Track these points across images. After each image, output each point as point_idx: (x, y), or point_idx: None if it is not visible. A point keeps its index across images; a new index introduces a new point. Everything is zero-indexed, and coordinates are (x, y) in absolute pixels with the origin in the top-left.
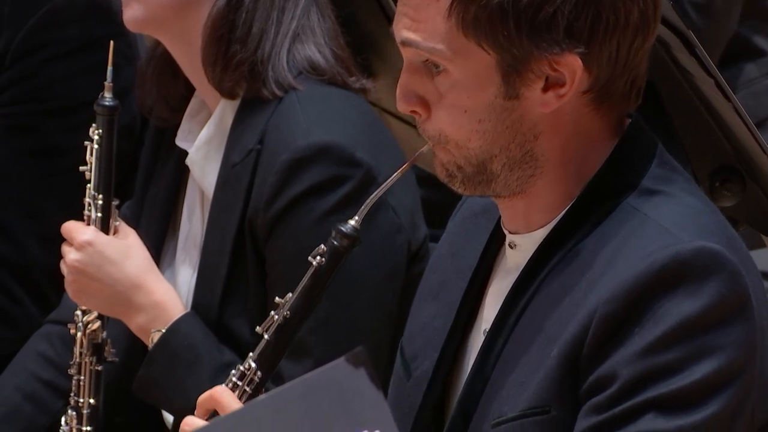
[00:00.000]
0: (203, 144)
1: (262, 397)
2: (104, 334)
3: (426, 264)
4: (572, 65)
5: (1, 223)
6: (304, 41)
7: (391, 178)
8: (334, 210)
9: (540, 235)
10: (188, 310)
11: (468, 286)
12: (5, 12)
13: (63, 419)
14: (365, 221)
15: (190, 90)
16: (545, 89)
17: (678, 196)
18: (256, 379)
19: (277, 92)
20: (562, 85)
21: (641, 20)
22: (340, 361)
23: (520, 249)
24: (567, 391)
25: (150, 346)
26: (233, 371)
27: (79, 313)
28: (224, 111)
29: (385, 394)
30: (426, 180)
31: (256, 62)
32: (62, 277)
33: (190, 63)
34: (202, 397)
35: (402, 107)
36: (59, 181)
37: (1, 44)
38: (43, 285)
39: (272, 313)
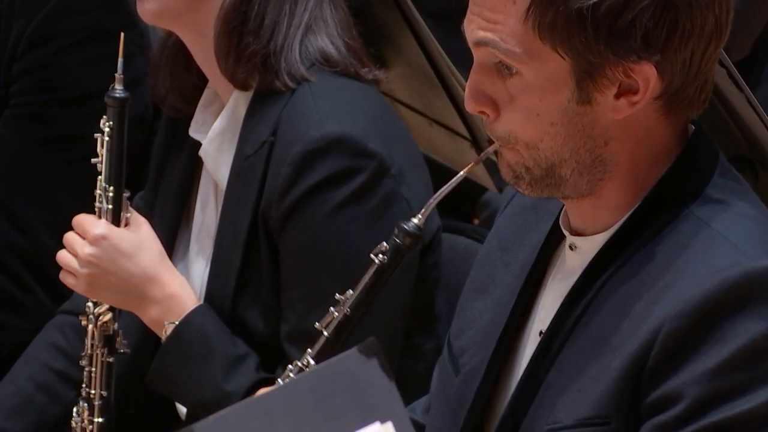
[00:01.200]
0: (216, 135)
1: (274, 387)
2: (116, 325)
3: (439, 255)
4: (647, 73)
5: (13, 213)
6: (316, 32)
7: (457, 177)
8: (348, 201)
9: (601, 239)
10: (201, 302)
11: (523, 285)
12: (17, 2)
13: (75, 410)
14: (380, 210)
15: (203, 81)
16: (618, 96)
17: (742, 208)
18: None
19: (290, 84)
20: (635, 92)
21: (716, 27)
22: (353, 352)
23: (580, 252)
24: (628, 404)
25: (163, 338)
26: (290, 366)
27: (90, 304)
28: (237, 102)
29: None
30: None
31: (268, 54)
32: None
33: (204, 54)
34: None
35: (470, 107)
36: (71, 170)
37: (14, 34)
38: (55, 274)
39: (332, 309)
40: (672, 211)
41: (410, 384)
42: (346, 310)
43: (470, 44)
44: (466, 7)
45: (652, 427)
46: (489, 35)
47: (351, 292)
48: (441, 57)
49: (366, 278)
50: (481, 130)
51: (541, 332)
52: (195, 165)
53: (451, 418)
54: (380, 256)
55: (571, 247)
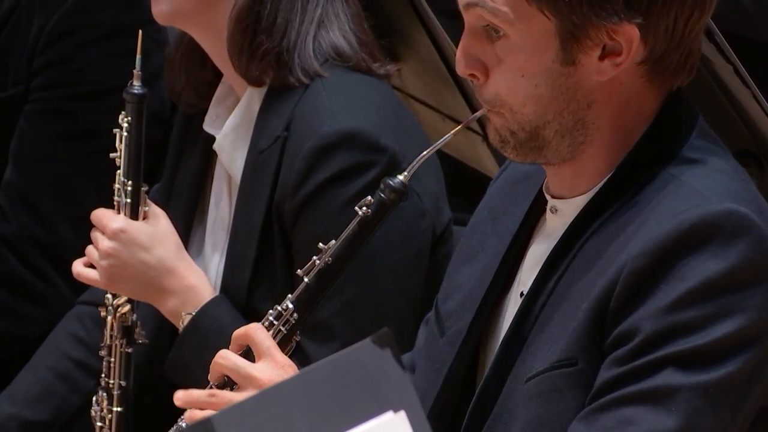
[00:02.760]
0: (231, 130)
1: (289, 377)
2: (134, 316)
3: (450, 247)
4: (629, 35)
5: (34, 205)
6: (328, 27)
7: (442, 140)
8: (360, 195)
9: (581, 201)
10: (218, 293)
11: (507, 249)
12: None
13: (94, 399)
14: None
15: (217, 76)
16: (602, 57)
17: (715, 163)
18: (291, 320)
19: (304, 79)
20: (619, 54)
21: None
22: (366, 342)
23: (561, 214)
24: (594, 344)
25: (180, 329)
26: (270, 311)
27: (109, 296)
28: (251, 98)
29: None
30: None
31: (282, 51)
32: None
33: (218, 52)
34: (237, 333)
35: (461, 70)
36: (92, 163)
37: (34, 30)
38: None
39: (314, 258)
40: (649, 172)
41: None
42: (327, 258)
43: (461, 7)
44: None
45: (609, 361)
46: None
47: (334, 241)
48: (453, 53)
49: (349, 229)
50: None
51: (522, 294)
52: (209, 159)
53: (433, 377)
54: (364, 208)
55: (551, 210)
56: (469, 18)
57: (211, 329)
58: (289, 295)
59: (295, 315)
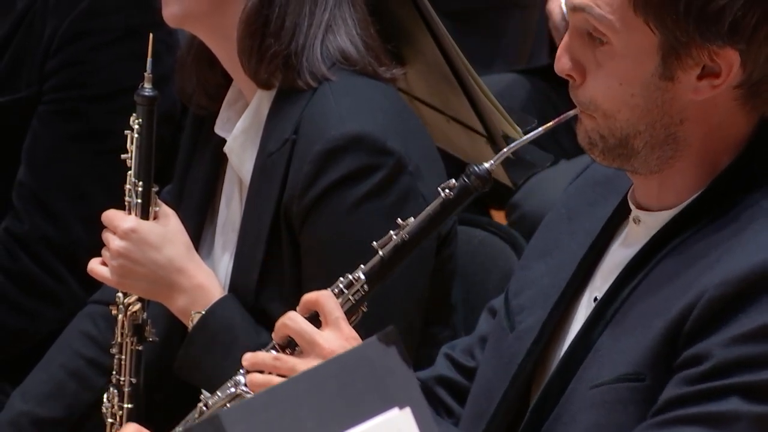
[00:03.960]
0: (240, 133)
1: (297, 374)
2: (144, 315)
3: (454, 248)
4: (730, 59)
5: (47, 206)
6: (336, 32)
7: (533, 133)
8: (367, 197)
9: (666, 216)
10: (227, 293)
11: (586, 252)
12: (51, 2)
13: (105, 396)
14: (398, 206)
15: (227, 79)
16: (700, 77)
17: None
18: (362, 290)
19: (311, 83)
20: (717, 75)
21: None
22: (372, 340)
23: (644, 225)
24: (663, 362)
25: (190, 327)
26: (341, 279)
27: (120, 295)
28: (260, 101)
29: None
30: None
31: (290, 54)
32: None
33: (228, 55)
34: (307, 297)
35: (559, 68)
36: (102, 163)
37: (47, 33)
38: (87, 265)
39: (391, 232)
40: (736, 197)
41: None
42: (405, 235)
43: (567, 10)
44: (480, 9)
45: (677, 379)
46: (586, 0)
47: (412, 219)
48: (458, 56)
49: (430, 209)
50: (496, 126)
51: (596, 298)
52: (220, 161)
53: (501, 372)
54: (447, 191)
55: (635, 221)
56: (574, 20)
57: (219, 328)
58: (362, 266)
59: (365, 286)
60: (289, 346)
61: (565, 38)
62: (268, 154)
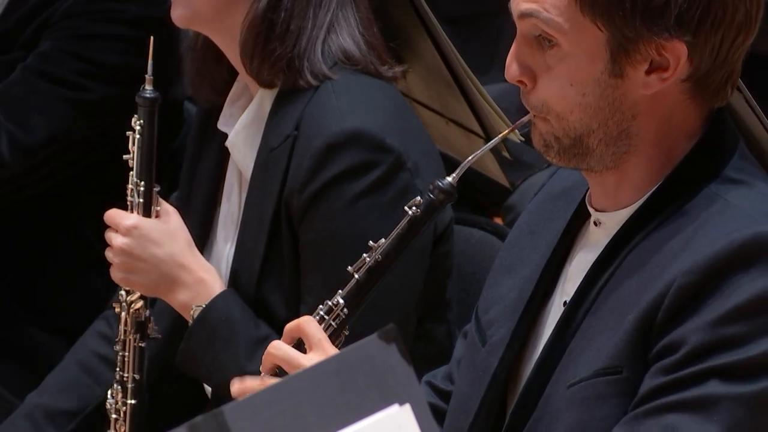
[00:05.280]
0: (243, 128)
1: (299, 372)
2: (147, 312)
3: (451, 246)
4: (678, 51)
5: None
6: (338, 32)
7: (488, 145)
8: (366, 193)
9: (624, 214)
10: (228, 287)
11: (548, 260)
12: None
13: (109, 392)
14: (396, 202)
15: (233, 74)
16: (649, 72)
17: (758, 186)
18: (342, 314)
19: (313, 82)
20: (665, 69)
21: (746, 19)
22: (373, 338)
23: (605, 227)
24: (639, 354)
25: (190, 322)
26: (321, 306)
27: (123, 293)
28: (263, 98)
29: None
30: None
31: (293, 57)
32: None
33: (234, 53)
34: (289, 326)
35: (510, 76)
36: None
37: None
38: None
39: (364, 255)
40: (692, 189)
41: (422, 367)
42: (378, 256)
43: (515, 17)
44: (480, 13)
45: (654, 370)
46: (533, 6)
47: (384, 240)
48: (456, 60)
49: (398, 228)
50: (494, 128)
51: (565, 302)
52: (224, 156)
53: (477, 384)
54: (414, 208)
55: (595, 223)
56: (522, 27)
57: (219, 322)
58: (340, 291)
59: (345, 310)
60: (278, 375)
61: (514, 46)
62: (270, 150)
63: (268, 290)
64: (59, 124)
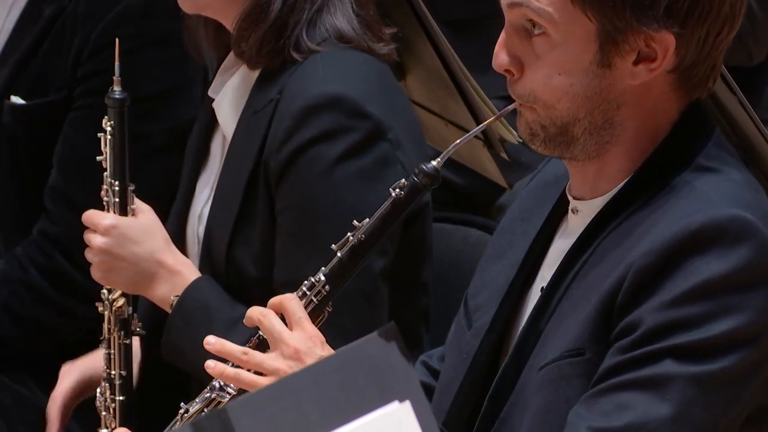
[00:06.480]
0: (230, 90)
1: (301, 369)
2: (130, 309)
3: (426, 231)
4: (666, 42)
5: (79, 207)
6: (332, 12)
7: (475, 129)
8: (342, 158)
9: (600, 203)
10: (201, 246)
11: (530, 246)
12: (80, 11)
13: (98, 390)
14: (375, 170)
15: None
16: (636, 62)
17: (729, 173)
18: (323, 291)
19: (299, 59)
20: (653, 60)
21: (730, 12)
22: (373, 336)
23: (581, 215)
24: (601, 336)
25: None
26: (305, 282)
27: (105, 292)
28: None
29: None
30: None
31: (285, 46)
32: None
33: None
34: (272, 301)
35: (497, 64)
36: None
37: (78, 40)
38: None
39: (348, 234)
40: (665, 177)
41: None
42: (360, 235)
43: (504, 7)
44: (478, 16)
45: (612, 350)
46: None
47: (367, 219)
48: (456, 62)
49: (382, 209)
50: (493, 130)
51: (542, 288)
52: (212, 123)
53: (460, 367)
54: (398, 191)
55: (573, 211)
56: (510, 16)
57: (195, 308)
58: (323, 268)
59: (327, 287)
60: (260, 346)
61: (502, 35)
62: (253, 113)
63: (240, 250)
64: (142, 181)
